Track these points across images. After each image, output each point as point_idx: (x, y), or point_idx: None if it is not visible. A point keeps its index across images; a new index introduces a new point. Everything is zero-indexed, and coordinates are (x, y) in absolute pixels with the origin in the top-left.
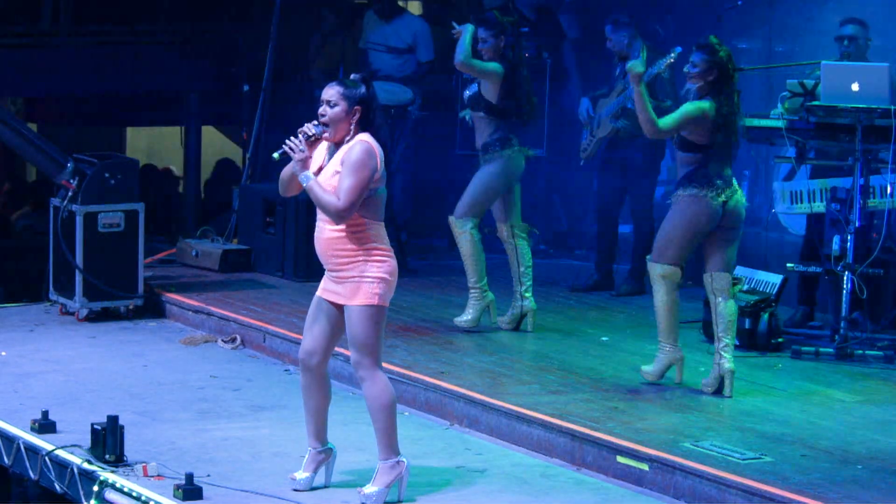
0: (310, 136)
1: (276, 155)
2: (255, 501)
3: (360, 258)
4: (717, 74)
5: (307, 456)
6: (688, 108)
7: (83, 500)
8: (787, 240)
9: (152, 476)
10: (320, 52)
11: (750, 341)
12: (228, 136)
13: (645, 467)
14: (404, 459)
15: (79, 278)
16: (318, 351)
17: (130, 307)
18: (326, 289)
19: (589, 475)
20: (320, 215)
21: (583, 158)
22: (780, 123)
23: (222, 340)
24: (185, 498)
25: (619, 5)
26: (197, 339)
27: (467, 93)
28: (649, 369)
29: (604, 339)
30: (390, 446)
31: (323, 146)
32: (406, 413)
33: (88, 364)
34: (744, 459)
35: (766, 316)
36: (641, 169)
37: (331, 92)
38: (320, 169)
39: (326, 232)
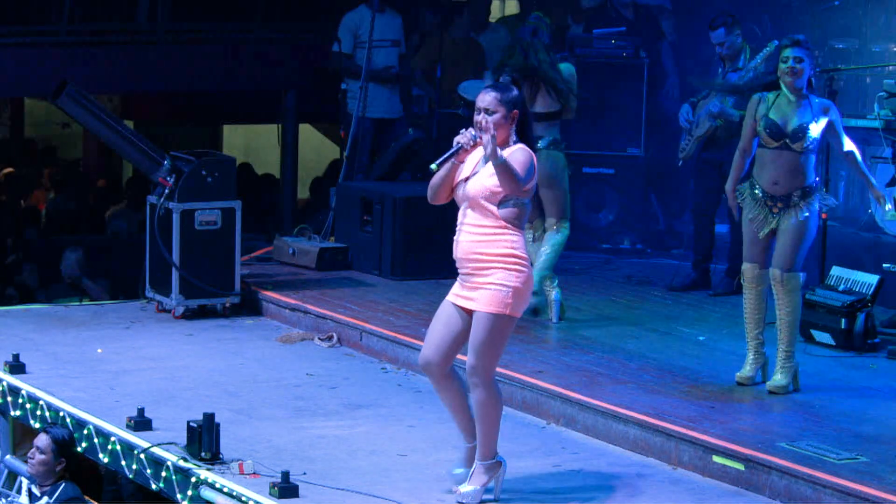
0: (465, 146)
1: (433, 166)
2: (351, 500)
3: (499, 265)
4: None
5: (464, 452)
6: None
7: (179, 497)
8: (884, 240)
9: (248, 474)
10: (418, 51)
11: (846, 341)
12: (326, 134)
13: (741, 467)
14: (502, 460)
15: (175, 276)
16: (436, 360)
17: (227, 305)
18: (458, 294)
19: (685, 475)
20: (464, 217)
21: (681, 159)
22: (876, 123)
23: (319, 338)
24: (280, 496)
25: (718, 6)
26: (293, 336)
27: None
28: (783, 383)
29: (700, 338)
30: (489, 448)
31: (475, 154)
32: (502, 412)
33: (184, 361)
34: (839, 459)
35: (862, 316)
36: None
37: (487, 99)
38: (472, 175)
39: (470, 234)
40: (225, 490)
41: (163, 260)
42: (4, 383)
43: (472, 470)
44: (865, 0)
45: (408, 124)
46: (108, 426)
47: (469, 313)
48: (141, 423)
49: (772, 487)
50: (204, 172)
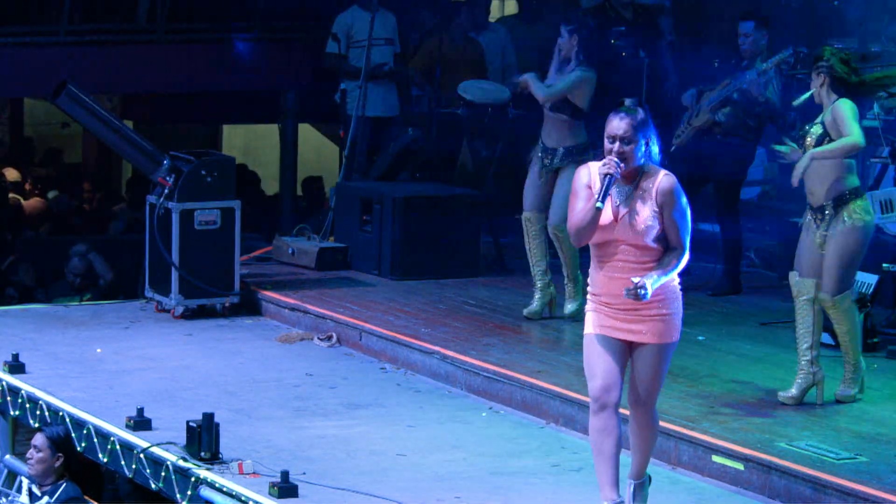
0: (616, 175)
1: (600, 205)
2: (350, 499)
3: (666, 294)
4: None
5: None
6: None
7: (178, 497)
8: (883, 240)
9: (248, 474)
10: (417, 51)
11: None
12: (325, 134)
13: (740, 467)
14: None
15: (175, 276)
16: (615, 385)
17: (226, 305)
18: (613, 327)
19: (684, 474)
20: (619, 255)
21: (674, 145)
22: (875, 123)
23: (318, 338)
24: (280, 496)
25: (718, 6)
26: (293, 336)
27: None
28: (850, 393)
29: (700, 338)
30: (645, 467)
31: (596, 181)
32: (502, 412)
33: (184, 361)
34: (839, 459)
35: (861, 316)
36: (726, 165)
37: (623, 126)
38: (621, 215)
39: (632, 273)
40: (224, 490)
41: (162, 260)
42: (4, 383)
43: (630, 490)
44: (865, 0)
45: (406, 124)
46: (107, 426)
47: (628, 345)
48: (140, 422)
49: (771, 487)
50: (203, 172)
